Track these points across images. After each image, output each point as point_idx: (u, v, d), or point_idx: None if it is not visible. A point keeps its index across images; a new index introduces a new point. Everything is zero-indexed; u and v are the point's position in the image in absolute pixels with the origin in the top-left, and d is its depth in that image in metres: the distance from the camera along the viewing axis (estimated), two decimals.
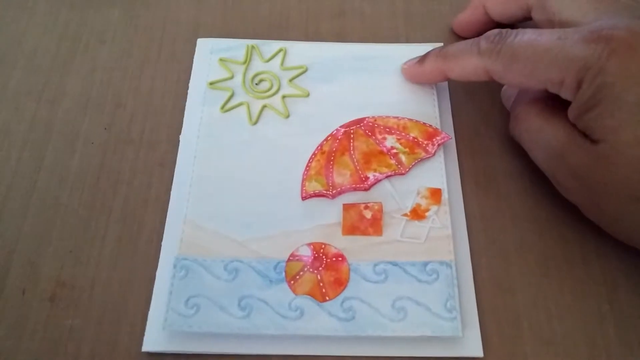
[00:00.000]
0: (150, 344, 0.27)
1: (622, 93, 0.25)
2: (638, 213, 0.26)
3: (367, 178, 0.31)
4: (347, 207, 0.30)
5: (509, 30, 0.29)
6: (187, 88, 0.35)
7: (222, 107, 0.33)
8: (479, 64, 0.30)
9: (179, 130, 0.33)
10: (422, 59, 0.33)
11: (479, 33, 0.31)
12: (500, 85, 0.34)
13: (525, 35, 0.28)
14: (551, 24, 0.30)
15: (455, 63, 0.31)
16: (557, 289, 0.28)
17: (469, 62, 0.30)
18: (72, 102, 0.35)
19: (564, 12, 0.29)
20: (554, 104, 0.29)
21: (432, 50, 0.33)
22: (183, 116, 0.34)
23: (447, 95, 0.35)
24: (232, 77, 0.35)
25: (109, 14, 0.38)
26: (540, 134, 0.29)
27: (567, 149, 0.27)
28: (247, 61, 0.35)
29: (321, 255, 0.29)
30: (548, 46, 0.27)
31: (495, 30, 0.29)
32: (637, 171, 0.25)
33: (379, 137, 0.32)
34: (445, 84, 0.35)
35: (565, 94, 0.27)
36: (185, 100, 0.34)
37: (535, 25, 0.32)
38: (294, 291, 0.28)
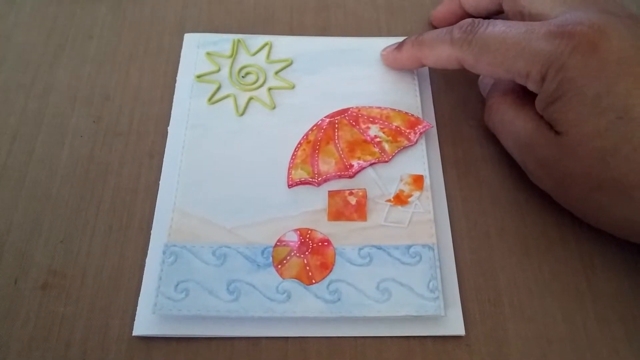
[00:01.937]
0: (141, 328, 0.27)
1: (582, 88, 0.26)
2: (601, 200, 0.27)
3: (351, 166, 0.32)
4: (332, 194, 0.31)
5: (481, 20, 0.30)
6: (175, 81, 0.35)
7: (210, 99, 0.34)
8: (452, 54, 0.31)
9: (166, 122, 0.34)
10: (400, 45, 0.34)
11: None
12: (479, 75, 0.35)
13: (496, 27, 0.29)
14: (522, 16, 0.31)
15: (430, 51, 0.32)
16: (537, 268, 0.29)
17: (443, 51, 0.31)
18: (61, 96, 0.35)
19: (533, 5, 0.30)
20: (524, 96, 0.30)
21: (409, 37, 0.34)
22: (171, 108, 0.34)
23: (428, 86, 0.36)
24: (218, 70, 0.35)
25: (96, 9, 0.39)
26: (511, 125, 0.30)
27: (535, 140, 0.29)
28: (234, 55, 0.36)
29: (307, 240, 0.29)
30: (516, 39, 0.28)
31: (468, 20, 0.30)
32: (598, 161, 0.26)
33: (363, 126, 0.33)
34: (427, 74, 0.36)
35: (531, 86, 0.28)
36: (173, 93, 0.35)
37: (507, 18, 0.32)
38: (281, 275, 0.28)
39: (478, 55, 0.29)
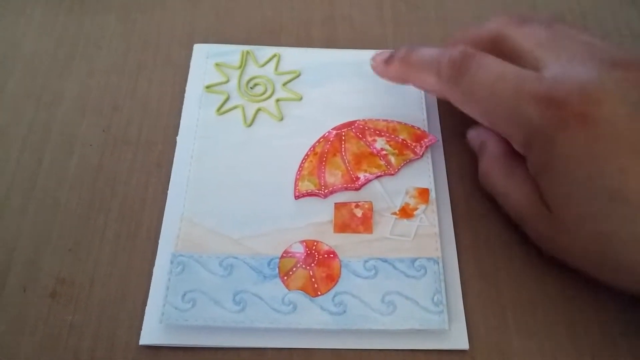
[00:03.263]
0: (148, 337, 0.28)
1: (572, 167, 0.24)
2: (604, 273, 0.26)
3: (357, 178, 0.32)
4: (338, 206, 0.31)
5: (473, 55, 0.28)
6: (183, 91, 0.36)
7: (218, 110, 0.34)
8: (438, 86, 0.29)
9: (175, 132, 0.34)
10: (390, 59, 0.32)
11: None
12: None
13: (487, 71, 0.27)
14: (513, 53, 0.29)
15: (416, 75, 0.31)
16: (541, 281, 0.29)
17: (429, 80, 0.30)
18: (70, 105, 0.35)
19: (524, 51, 0.28)
20: (514, 157, 0.28)
21: (399, 50, 0.32)
22: (179, 118, 0.34)
23: (434, 99, 0.36)
24: (227, 81, 0.36)
25: (105, 19, 0.39)
26: (505, 198, 0.29)
27: (529, 215, 0.27)
28: (242, 66, 0.37)
29: (313, 252, 0.30)
30: (504, 94, 0.26)
31: (460, 50, 0.28)
32: (595, 243, 0.24)
33: (369, 139, 0.33)
34: None
35: (515, 146, 0.27)
36: (181, 103, 0.35)
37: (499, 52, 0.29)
38: (287, 286, 0.29)
39: (464, 98, 0.28)
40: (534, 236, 0.28)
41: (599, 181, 0.23)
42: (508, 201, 0.29)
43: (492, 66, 0.27)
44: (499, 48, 0.29)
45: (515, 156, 0.28)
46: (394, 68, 0.32)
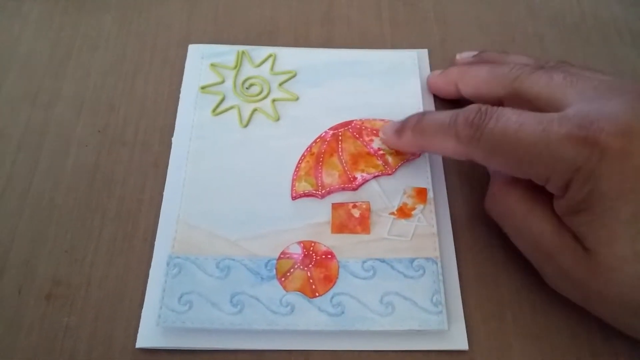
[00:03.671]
0: (144, 340, 0.27)
1: (615, 203, 0.23)
2: (636, 325, 0.25)
3: (355, 178, 0.32)
4: (336, 207, 0.31)
5: (489, 110, 0.27)
6: (179, 92, 0.35)
7: (214, 111, 0.34)
8: (459, 149, 0.27)
9: (171, 133, 0.34)
10: (400, 130, 0.31)
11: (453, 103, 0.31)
12: None
13: (507, 122, 0.25)
14: (529, 103, 0.28)
15: (433, 143, 0.29)
16: (541, 282, 0.29)
17: (448, 146, 0.28)
18: (66, 106, 0.35)
19: (543, 92, 0.27)
20: (537, 187, 0.26)
21: (409, 120, 0.31)
22: (175, 119, 0.34)
23: (431, 98, 0.36)
24: (223, 82, 0.36)
25: (102, 19, 0.39)
26: (523, 224, 0.27)
27: (557, 250, 0.25)
28: (238, 66, 0.36)
29: (311, 252, 0.30)
30: (532, 140, 0.24)
31: (474, 109, 0.27)
32: (635, 288, 0.23)
33: (366, 139, 0.33)
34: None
35: (552, 189, 0.25)
36: (177, 104, 0.35)
37: (511, 105, 0.28)
38: (284, 288, 0.28)
39: (489, 154, 0.26)
40: (556, 274, 0.26)
41: None
42: (526, 233, 0.27)
43: (511, 116, 0.25)
44: (516, 102, 0.28)
45: (536, 187, 0.26)
46: (407, 139, 0.31)
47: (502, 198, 0.28)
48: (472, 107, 0.27)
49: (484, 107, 0.27)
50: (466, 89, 0.33)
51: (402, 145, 0.31)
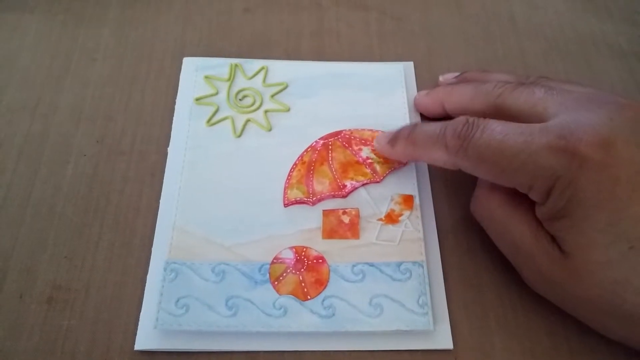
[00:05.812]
0: (142, 342, 0.28)
1: (592, 211, 0.24)
2: (609, 325, 0.26)
3: (344, 186, 0.33)
4: (326, 213, 0.32)
5: (475, 122, 0.28)
6: (174, 103, 0.37)
7: (208, 121, 0.35)
8: (448, 159, 0.29)
9: (167, 143, 0.35)
10: (393, 140, 0.32)
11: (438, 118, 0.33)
12: None
13: (492, 133, 0.26)
14: (514, 117, 0.28)
15: (424, 153, 0.30)
16: (521, 284, 0.30)
17: (438, 156, 0.29)
18: (65, 117, 0.36)
19: (525, 105, 0.28)
20: (517, 194, 0.27)
21: (402, 131, 0.32)
22: (171, 129, 0.35)
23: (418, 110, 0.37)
24: (217, 93, 0.37)
25: (99, 32, 0.40)
26: (504, 227, 0.28)
27: (535, 253, 0.27)
28: (231, 78, 0.38)
29: (303, 257, 0.31)
30: (515, 150, 0.25)
31: (462, 121, 0.28)
32: (609, 292, 0.24)
33: (355, 148, 0.34)
34: (415, 96, 0.38)
35: (534, 197, 0.26)
36: (173, 115, 0.36)
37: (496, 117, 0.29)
38: (277, 291, 0.30)
39: (475, 164, 0.27)
40: (535, 276, 0.28)
41: (619, 227, 0.23)
42: (507, 236, 0.28)
43: (496, 127, 0.27)
44: (500, 118, 0.28)
45: (517, 193, 0.27)
46: (399, 148, 0.32)
47: (485, 201, 0.30)
48: (460, 119, 0.28)
49: (471, 119, 0.28)
50: (452, 108, 0.34)
51: (395, 154, 0.33)
